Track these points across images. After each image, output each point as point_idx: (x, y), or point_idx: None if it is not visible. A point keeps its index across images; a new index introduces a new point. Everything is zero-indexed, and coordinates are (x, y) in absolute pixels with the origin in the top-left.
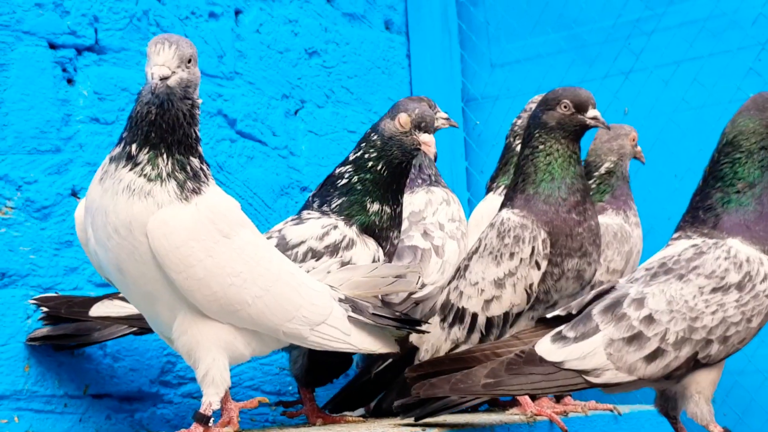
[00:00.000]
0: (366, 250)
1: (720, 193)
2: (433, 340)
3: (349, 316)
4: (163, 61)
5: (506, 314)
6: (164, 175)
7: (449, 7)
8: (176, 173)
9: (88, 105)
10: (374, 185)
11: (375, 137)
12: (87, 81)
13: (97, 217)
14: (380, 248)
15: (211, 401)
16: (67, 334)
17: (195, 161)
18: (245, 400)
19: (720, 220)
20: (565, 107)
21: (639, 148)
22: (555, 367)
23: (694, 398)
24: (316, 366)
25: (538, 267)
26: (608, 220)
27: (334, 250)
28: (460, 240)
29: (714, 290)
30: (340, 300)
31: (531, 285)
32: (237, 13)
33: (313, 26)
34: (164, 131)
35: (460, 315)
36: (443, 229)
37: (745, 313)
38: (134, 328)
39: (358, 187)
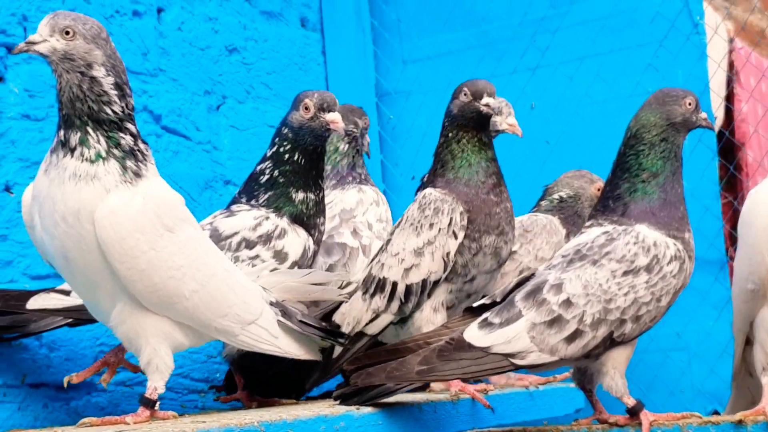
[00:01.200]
0: (297, 238)
1: (627, 183)
2: (354, 312)
3: (278, 321)
4: (39, 30)
5: (424, 282)
6: (103, 153)
7: (362, 4)
8: (113, 150)
9: (19, 102)
10: (295, 175)
11: (286, 130)
12: (17, 79)
13: (45, 206)
14: (310, 237)
15: (156, 386)
16: (4, 326)
17: (127, 138)
18: (175, 386)
19: (628, 208)
20: (464, 95)
21: None
22: (483, 352)
23: (610, 373)
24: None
25: (455, 237)
26: (539, 216)
27: (267, 239)
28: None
29: (625, 273)
30: (271, 303)
31: (448, 253)
32: (159, 11)
33: (233, 24)
34: (69, 106)
35: (381, 285)
36: (371, 228)
37: (655, 293)
38: (69, 320)
39: (281, 180)
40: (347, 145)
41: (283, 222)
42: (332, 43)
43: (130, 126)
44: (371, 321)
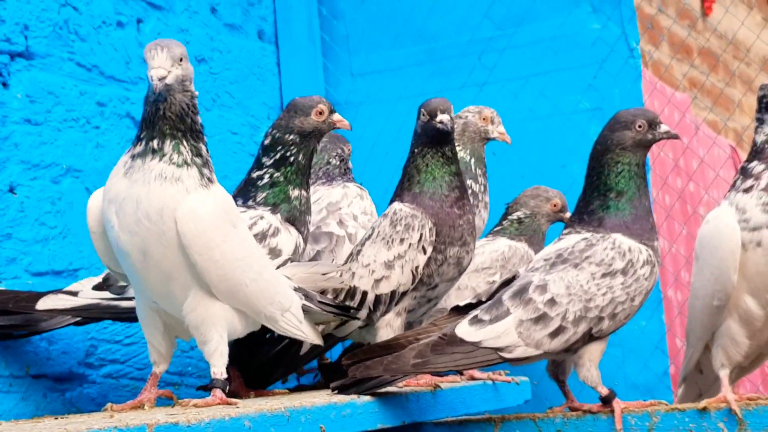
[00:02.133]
0: (289, 236)
1: (598, 200)
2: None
3: (302, 304)
4: (159, 64)
5: (393, 293)
6: (189, 160)
7: (313, 19)
8: (195, 159)
9: (21, 107)
10: (295, 174)
11: (291, 137)
12: (20, 85)
13: (126, 206)
14: (300, 234)
15: (222, 371)
16: (17, 325)
17: (204, 149)
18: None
19: (603, 222)
20: (423, 115)
21: (564, 214)
22: (474, 346)
23: (586, 365)
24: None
25: (425, 252)
26: (519, 245)
27: (262, 237)
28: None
29: (603, 275)
30: (294, 289)
31: (417, 267)
32: (138, 22)
33: (201, 35)
34: (175, 122)
35: (351, 293)
36: (356, 219)
37: (629, 293)
38: (78, 318)
39: (281, 179)
40: (338, 161)
41: (276, 221)
42: (286, 55)
43: (204, 137)
44: (340, 325)
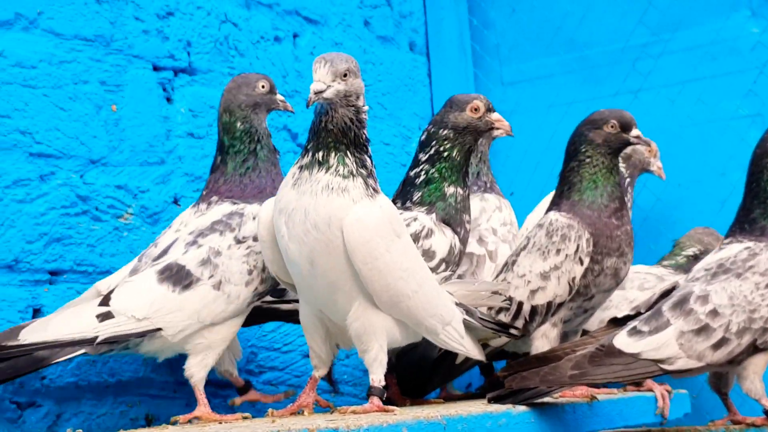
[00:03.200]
0: (443, 237)
1: (759, 209)
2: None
3: (463, 319)
4: (319, 77)
5: (549, 304)
6: (355, 171)
7: (464, 30)
8: (360, 170)
9: (185, 121)
10: (449, 171)
11: (445, 132)
12: (183, 100)
13: (296, 216)
14: (455, 235)
15: (380, 378)
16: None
17: (369, 161)
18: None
19: (765, 229)
20: (611, 126)
21: None
22: (633, 358)
23: (750, 377)
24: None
25: (581, 263)
26: None
27: (415, 239)
28: (511, 242)
29: None
30: (456, 304)
31: (574, 278)
32: (295, 36)
33: (354, 48)
34: (337, 135)
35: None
36: (496, 233)
37: None
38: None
39: (436, 176)
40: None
41: (430, 222)
42: (437, 65)
43: (369, 149)
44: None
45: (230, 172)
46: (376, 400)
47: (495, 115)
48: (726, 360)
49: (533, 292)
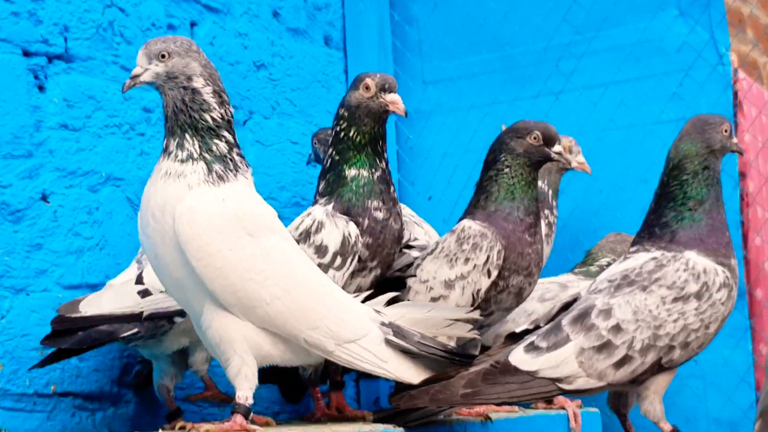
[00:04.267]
0: (335, 229)
1: (673, 212)
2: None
3: (387, 339)
4: (137, 62)
5: None
6: (196, 155)
7: (384, 25)
8: (204, 154)
9: (58, 112)
10: (349, 151)
11: (342, 111)
12: (57, 88)
13: (142, 207)
14: (352, 224)
15: (246, 395)
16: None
17: (221, 145)
18: None
19: (676, 235)
20: (534, 138)
21: None
22: (530, 376)
23: (650, 398)
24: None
25: (489, 275)
26: None
27: (306, 236)
28: None
29: (675, 300)
30: (383, 323)
31: (479, 290)
32: (192, 25)
33: (261, 40)
34: (171, 119)
35: None
36: None
37: (704, 320)
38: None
39: (336, 158)
40: None
41: (323, 214)
42: (354, 61)
43: (226, 134)
44: None
45: None
46: (239, 419)
47: (390, 96)
48: (629, 379)
49: (434, 299)
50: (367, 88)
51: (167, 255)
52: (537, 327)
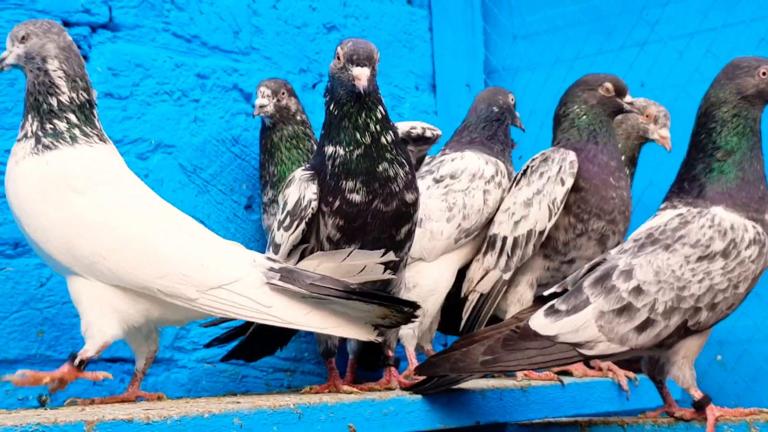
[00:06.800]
0: (295, 191)
1: (702, 163)
2: (469, 274)
3: (271, 284)
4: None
5: (529, 233)
6: (29, 134)
7: None
8: (38, 132)
9: (102, 81)
10: (327, 127)
11: (328, 79)
12: (101, 57)
13: None
14: (311, 189)
15: (87, 349)
16: None
17: (60, 125)
18: (261, 365)
19: (704, 189)
20: (606, 90)
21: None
22: (550, 341)
23: (679, 363)
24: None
25: (563, 183)
26: None
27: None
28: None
29: (700, 259)
30: (271, 269)
31: (554, 200)
32: None
33: (332, 1)
34: (26, 99)
35: (492, 241)
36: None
37: (732, 279)
38: None
39: (322, 132)
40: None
41: (299, 177)
42: (440, 19)
43: (70, 116)
44: (481, 279)
45: None
46: (66, 366)
47: (356, 70)
48: (654, 344)
49: (516, 223)
50: (338, 57)
51: (20, 229)
52: (565, 290)
